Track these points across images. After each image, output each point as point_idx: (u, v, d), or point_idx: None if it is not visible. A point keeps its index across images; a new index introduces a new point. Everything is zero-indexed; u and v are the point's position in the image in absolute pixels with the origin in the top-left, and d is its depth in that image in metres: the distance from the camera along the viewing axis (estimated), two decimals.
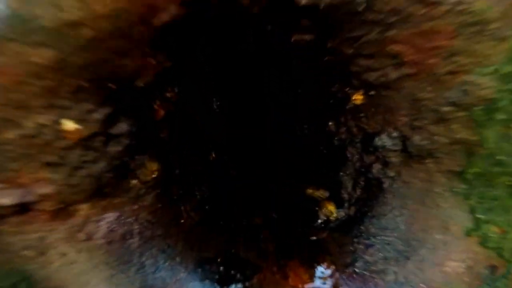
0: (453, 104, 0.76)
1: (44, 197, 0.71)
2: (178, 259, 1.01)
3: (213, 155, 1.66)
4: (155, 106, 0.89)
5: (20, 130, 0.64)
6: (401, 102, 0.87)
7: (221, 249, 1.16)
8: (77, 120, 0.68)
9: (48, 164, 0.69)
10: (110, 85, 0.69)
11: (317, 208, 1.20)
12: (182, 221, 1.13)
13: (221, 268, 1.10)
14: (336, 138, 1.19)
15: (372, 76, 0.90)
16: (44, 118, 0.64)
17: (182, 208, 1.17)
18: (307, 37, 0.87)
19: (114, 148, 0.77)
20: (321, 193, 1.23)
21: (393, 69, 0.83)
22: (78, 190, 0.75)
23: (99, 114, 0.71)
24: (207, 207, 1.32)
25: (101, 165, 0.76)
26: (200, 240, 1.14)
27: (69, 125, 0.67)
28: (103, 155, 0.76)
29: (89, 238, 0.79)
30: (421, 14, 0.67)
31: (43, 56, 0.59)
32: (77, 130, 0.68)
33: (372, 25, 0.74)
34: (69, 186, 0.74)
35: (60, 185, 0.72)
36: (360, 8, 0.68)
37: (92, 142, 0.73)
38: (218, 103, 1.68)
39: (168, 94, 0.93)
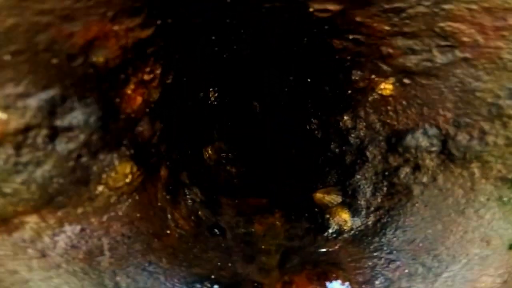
0: None
1: None
2: (162, 278, 0.82)
3: (210, 152, 1.47)
4: (128, 91, 0.67)
5: None
6: (446, 94, 0.72)
7: (216, 263, 0.99)
8: (1, 107, 0.46)
9: None
10: (52, 59, 0.47)
11: (328, 216, 1.06)
12: (168, 232, 0.94)
13: (216, 286, 0.94)
14: (352, 135, 1.04)
15: (411, 61, 0.73)
16: None
17: (169, 216, 0.97)
18: (332, 7, 0.68)
19: (65, 146, 0.56)
20: (333, 198, 1.08)
21: (441, 52, 0.67)
22: (17, 200, 0.54)
23: (35, 99, 0.50)
24: (199, 213, 1.13)
25: (46, 168, 0.55)
26: (190, 254, 0.96)
27: None
28: (49, 154, 0.55)
29: (43, 255, 0.60)
30: None
31: None
32: (1, 121, 0.46)
33: None
34: (3, 195, 0.52)
35: None
36: None
37: (28, 138, 0.51)
38: (217, 93, 1.48)
39: (146, 76, 0.71)
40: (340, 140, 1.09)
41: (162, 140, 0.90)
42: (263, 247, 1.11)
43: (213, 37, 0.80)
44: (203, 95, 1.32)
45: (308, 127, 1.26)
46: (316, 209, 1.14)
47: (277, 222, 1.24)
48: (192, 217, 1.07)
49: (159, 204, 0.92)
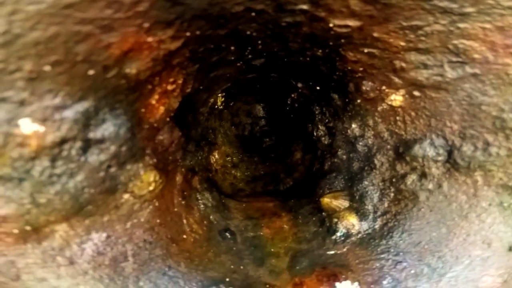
0: None
1: (3, 218, 0.51)
2: (181, 282, 0.83)
3: (216, 156, 1.47)
4: (152, 101, 0.68)
5: None
6: (453, 107, 0.77)
7: (229, 267, 1.01)
8: (39, 120, 0.47)
9: (3, 179, 0.47)
10: (88, 70, 0.48)
11: (336, 220, 1.09)
12: (184, 236, 0.95)
13: None
14: (360, 143, 1.08)
15: (422, 75, 0.77)
16: None
17: (184, 221, 0.98)
18: (352, 23, 0.71)
19: (96, 157, 0.57)
20: (340, 203, 1.12)
21: (452, 68, 0.71)
22: (50, 210, 0.54)
23: (71, 112, 0.50)
24: (211, 217, 1.15)
25: (79, 179, 0.55)
26: (205, 258, 0.98)
27: (27, 126, 0.45)
28: (81, 166, 0.55)
29: (71, 262, 0.60)
30: (507, 6, 0.55)
31: None
32: (38, 135, 0.46)
33: (441, 14, 0.61)
34: (37, 205, 0.53)
35: (23, 204, 0.51)
36: None
37: (63, 150, 0.52)
38: (226, 98, 1.46)
39: (169, 86, 0.72)
40: (348, 147, 1.13)
41: (179, 148, 0.91)
42: (272, 250, 1.13)
43: (232, 48, 0.81)
44: (213, 101, 1.33)
45: (315, 133, 1.30)
46: (323, 213, 1.18)
47: (285, 226, 1.27)
48: (205, 222, 1.08)
49: (175, 209, 0.93)
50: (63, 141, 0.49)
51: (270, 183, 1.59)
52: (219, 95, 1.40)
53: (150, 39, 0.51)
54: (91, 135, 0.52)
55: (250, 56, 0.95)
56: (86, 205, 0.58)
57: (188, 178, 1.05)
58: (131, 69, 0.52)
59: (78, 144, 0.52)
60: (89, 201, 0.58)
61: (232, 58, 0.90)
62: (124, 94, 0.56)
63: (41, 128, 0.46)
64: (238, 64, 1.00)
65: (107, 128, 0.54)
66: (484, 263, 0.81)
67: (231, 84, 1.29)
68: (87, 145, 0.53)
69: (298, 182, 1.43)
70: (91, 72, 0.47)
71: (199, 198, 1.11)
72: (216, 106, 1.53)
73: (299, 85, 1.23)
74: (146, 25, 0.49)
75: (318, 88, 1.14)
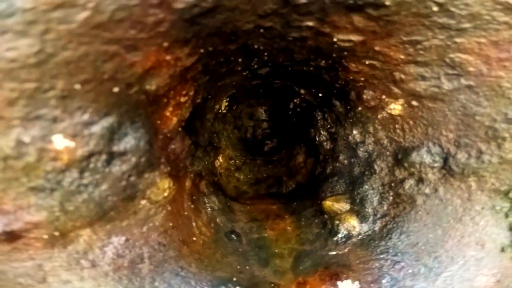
0: None
1: (35, 225, 0.55)
2: (193, 282, 0.88)
3: (221, 160, 1.51)
4: (167, 113, 0.72)
5: None
6: (449, 116, 0.81)
7: (235, 267, 1.05)
8: (70, 136, 0.50)
9: (36, 189, 0.51)
10: (113, 88, 0.51)
11: (337, 222, 1.14)
12: (194, 238, 0.99)
13: None
14: (361, 149, 1.13)
15: (420, 86, 0.82)
16: (26, 134, 0.46)
17: (194, 224, 1.02)
18: (355, 38, 0.75)
19: (119, 168, 0.61)
20: (342, 206, 1.17)
21: (448, 80, 0.76)
22: (77, 217, 0.59)
23: (98, 127, 0.54)
24: (217, 220, 1.19)
25: (103, 188, 0.59)
26: (213, 259, 1.02)
27: (60, 142, 0.48)
28: (106, 176, 0.59)
29: (94, 265, 0.65)
30: (503, 21, 0.60)
31: (17, 47, 0.40)
32: (69, 149, 0.50)
33: (439, 30, 0.66)
34: (65, 213, 0.57)
35: (53, 212, 0.55)
36: (435, 9, 0.59)
37: (90, 163, 0.56)
38: (232, 104, 1.50)
39: (182, 98, 0.76)
40: (349, 152, 1.17)
41: (188, 154, 0.95)
42: (276, 251, 1.18)
43: (240, 60, 0.85)
44: (218, 107, 1.36)
45: (317, 138, 1.34)
46: (325, 216, 1.22)
47: (288, 228, 1.32)
48: (212, 224, 1.12)
49: (185, 213, 0.97)
50: (90, 155, 0.53)
51: (273, 186, 1.63)
52: (224, 100, 1.43)
53: (168, 57, 0.55)
54: (115, 148, 0.56)
55: (256, 66, 0.99)
56: (109, 211, 0.62)
57: (196, 183, 1.09)
58: (151, 85, 0.56)
59: (103, 157, 0.56)
60: (111, 208, 0.62)
61: (239, 68, 0.94)
62: (143, 109, 0.60)
63: (71, 144, 0.50)
64: (244, 73, 1.04)
65: (129, 141, 0.58)
66: (478, 263, 0.85)
67: (236, 90, 1.33)
68: (111, 157, 0.57)
69: (301, 185, 1.48)
70: (115, 89, 0.51)
71: (206, 201, 1.15)
72: (220, 110, 1.56)
73: (302, 91, 1.27)
74: (165, 44, 0.52)
75: (320, 95, 1.18)
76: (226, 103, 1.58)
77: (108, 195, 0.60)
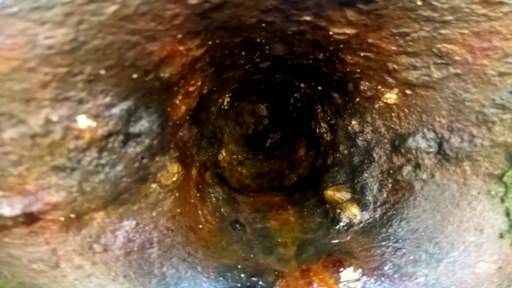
0: (499, 106, 0.76)
1: (54, 206, 0.58)
2: (199, 268, 0.91)
3: (224, 153, 1.56)
4: (177, 101, 0.77)
5: (24, 127, 0.50)
6: (441, 103, 0.85)
7: (240, 255, 1.08)
8: (92, 116, 0.56)
9: (58, 168, 0.56)
10: (133, 74, 0.57)
11: (339, 211, 1.17)
12: (200, 226, 1.03)
13: (243, 275, 1.03)
14: (360, 138, 1.17)
15: (412, 75, 0.87)
16: (54, 114, 0.51)
17: (200, 212, 1.06)
18: (349, 31, 0.81)
19: (133, 149, 0.66)
20: (343, 195, 1.20)
21: (437, 69, 0.81)
22: (93, 198, 0.63)
23: (117, 109, 0.59)
24: (222, 210, 1.23)
25: (119, 169, 0.64)
26: (219, 246, 1.05)
27: (83, 122, 0.54)
28: (121, 157, 0.64)
29: (105, 249, 0.68)
30: (481, 13, 0.65)
31: (54, 36, 0.46)
32: (91, 129, 0.56)
33: (425, 22, 0.71)
34: (83, 193, 0.61)
35: (72, 192, 0.59)
36: (419, 3, 0.64)
37: (108, 143, 0.61)
38: (231, 98, 1.56)
39: (190, 88, 0.82)
40: (349, 142, 1.21)
41: (195, 143, 1.00)
42: (280, 240, 1.21)
43: (243, 53, 0.91)
44: (221, 101, 1.42)
45: (318, 131, 1.38)
46: (327, 205, 1.26)
47: (291, 218, 1.35)
48: (217, 213, 1.16)
49: (192, 201, 1.01)
50: (109, 134, 0.58)
51: (275, 179, 1.67)
52: (226, 95, 1.49)
53: (181, 47, 0.60)
54: (131, 129, 0.61)
55: (258, 60, 1.05)
56: (122, 193, 0.66)
57: (202, 173, 1.14)
58: (165, 73, 0.62)
59: (120, 137, 0.60)
60: (125, 189, 0.66)
61: (242, 62, 1.00)
62: (157, 95, 0.66)
63: (93, 123, 0.55)
64: (247, 67, 1.10)
65: (143, 124, 0.63)
66: (478, 249, 0.87)
67: (238, 85, 1.39)
68: (127, 138, 0.62)
69: (303, 177, 1.51)
70: (135, 75, 0.56)
71: (211, 191, 1.19)
72: (223, 106, 1.62)
73: (302, 85, 1.32)
74: (179, 35, 0.58)
75: (320, 88, 1.23)
76: (229, 99, 1.64)
77: (123, 176, 0.65)
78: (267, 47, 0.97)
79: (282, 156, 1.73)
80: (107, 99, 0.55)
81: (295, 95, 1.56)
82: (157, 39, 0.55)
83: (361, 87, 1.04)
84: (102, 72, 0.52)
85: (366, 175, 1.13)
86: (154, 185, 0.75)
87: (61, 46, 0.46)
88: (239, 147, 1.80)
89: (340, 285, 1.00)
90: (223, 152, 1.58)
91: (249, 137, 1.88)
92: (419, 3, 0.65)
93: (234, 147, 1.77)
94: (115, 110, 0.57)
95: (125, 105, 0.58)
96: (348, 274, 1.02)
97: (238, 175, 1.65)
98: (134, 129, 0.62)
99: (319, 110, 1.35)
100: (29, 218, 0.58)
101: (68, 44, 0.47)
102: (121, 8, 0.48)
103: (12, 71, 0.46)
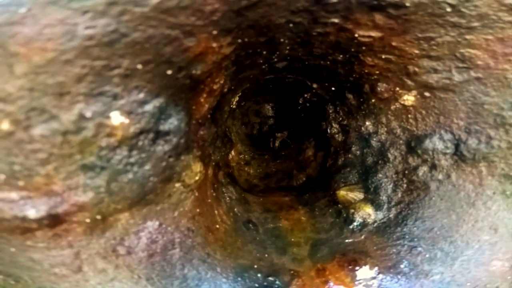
0: None
1: (80, 207, 0.55)
2: (218, 269, 0.90)
3: (233, 153, 1.55)
4: (201, 99, 0.76)
5: (55, 124, 0.48)
6: (460, 105, 0.87)
7: (255, 255, 1.08)
8: (126, 113, 0.54)
9: (87, 168, 0.53)
10: (167, 70, 0.55)
11: (352, 210, 1.18)
12: (217, 226, 1.01)
13: (259, 275, 1.02)
14: (374, 139, 1.18)
15: (433, 78, 0.88)
16: (88, 109, 0.49)
17: (216, 212, 1.05)
18: (374, 34, 0.82)
19: (162, 148, 0.64)
20: (355, 195, 1.21)
21: (459, 72, 0.83)
22: (120, 198, 0.60)
23: (150, 106, 0.57)
24: (235, 210, 1.21)
25: (147, 168, 0.62)
26: (235, 246, 1.04)
27: (116, 118, 0.52)
28: (150, 156, 0.62)
29: (129, 252, 0.65)
30: (507, 20, 0.66)
31: (95, 26, 0.44)
32: (123, 126, 0.53)
33: (451, 28, 0.72)
34: (110, 194, 0.58)
35: (99, 193, 0.56)
36: (448, 9, 0.65)
37: (139, 141, 0.58)
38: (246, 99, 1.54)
39: (214, 86, 0.80)
40: (362, 143, 1.22)
41: (212, 142, 0.98)
42: (292, 239, 1.21)
43: (264, 52, 0.90)
44: (233, 101, 1.41)
45: (329, 131, 1.39)
46: (339, 205, 1.27)
47: (302, 218, 1.35)
48: (231, 213, 1.15)
49: (208, 200, 0.99)
50: (141, 132, 0.56)
51: (283, 180, 1.67)
52: (237, 95, 1.48)
53: (214, 44, 0.59)
54: (161, 127, 0.59)
55: (275, 60, 1.04)
56: (148, 193, 0.64)
57: (216, 172, 1.12)
58: (197, 70, 0.60)
59: (151, 135, 0.58)
60: (151, 189, 0.64)
61: (261, 61, 0.99)
62: (185, 93, 0.64)
63: (126, 120, 0.52)
64: (263, 67, 1.09)
65: (172, 122, 0.61)
66: (492, 248, 0.89)
67: (250, 85, 1.38)
68: (157, 136, 0.60)
69: (312, 177, 1.52)
70: (169, 71, 0.54)
71: (224, 191, 1.18)
72: (231, 106, 1.61)
73: (315, 85, 1.32)
74: (215, 32, 0.56)
75: (333, 88, 1.24)
76: (237, 98, 1.62)
77: (151, 175, 0.63)
78: (287, 47, 0.96)
79: (289, 157, 1.73)
80: (141, 95, 0.53)
81: (305, 95, 1.56)
82: (194, 34, 0.53)
83: (378, 89, 1.05)
84: (139, 66, 0.50)
85: (380, 175, 1.15)
86: (177, 185, 0.73)
87: (101, 38, 0.44)
88: (245, 147, 1.79)
89: (357, 283, 1.01)
90: (232, 152, 1.56)
91: (254, 137, 1.87)
92: (448, 9, 0.67)
93: (241, 146, 1.76)
94: (148, 107, 0.55)
95: (157, 102, 0.56)
96: (364, 272, 1.03)
97: (246, 175, 1.64)
98: (164, 127, 0.60)
99: (330, 111, 1.36)
100: (54, 220, 0.56)
101: (108, 35, 0.45)
102: (164, 0, 0.46)
103: (47, 63, 0.43)
